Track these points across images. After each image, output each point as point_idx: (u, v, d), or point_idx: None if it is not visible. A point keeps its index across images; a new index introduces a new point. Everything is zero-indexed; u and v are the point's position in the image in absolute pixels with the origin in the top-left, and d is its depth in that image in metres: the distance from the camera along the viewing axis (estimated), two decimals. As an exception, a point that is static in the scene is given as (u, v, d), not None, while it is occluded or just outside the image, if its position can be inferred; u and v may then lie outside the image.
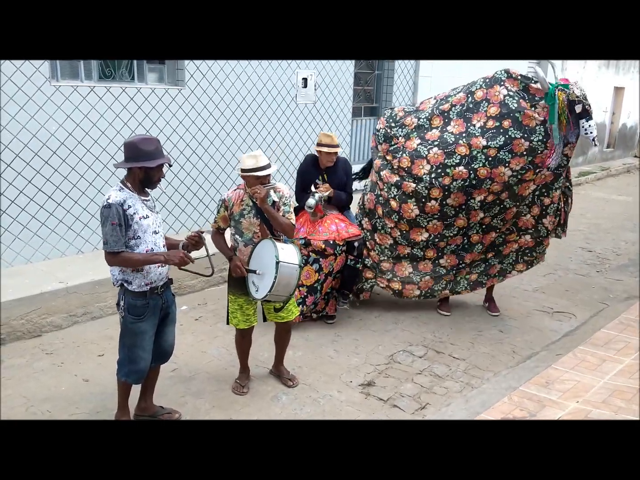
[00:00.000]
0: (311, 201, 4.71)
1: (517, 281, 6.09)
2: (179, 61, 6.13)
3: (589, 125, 4.51)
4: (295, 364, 4.36)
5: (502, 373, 4.29)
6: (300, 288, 4.84)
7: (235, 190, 3.79)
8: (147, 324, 3.17)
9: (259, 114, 6.98)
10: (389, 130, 5.07)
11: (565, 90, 4.45)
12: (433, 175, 4.77)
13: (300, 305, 4.88)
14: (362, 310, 5.43)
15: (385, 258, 5.29)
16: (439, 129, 4.86)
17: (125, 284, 3.11)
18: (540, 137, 4.56)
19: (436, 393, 4.03)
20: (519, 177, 4.70)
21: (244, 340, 3.98)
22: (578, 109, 4.44)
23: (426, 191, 4.81)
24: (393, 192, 4.98)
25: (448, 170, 4.72)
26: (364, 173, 5.59)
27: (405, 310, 5.45)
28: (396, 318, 5.28)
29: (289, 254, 3.52)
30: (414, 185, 4.84)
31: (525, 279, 6.23)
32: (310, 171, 4.89)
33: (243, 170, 3.61)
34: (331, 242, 4.78)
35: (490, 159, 4.65)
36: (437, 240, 5.09)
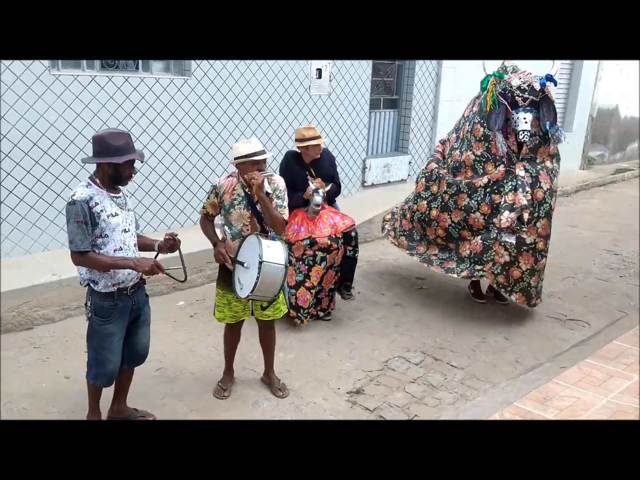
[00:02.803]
0: (318, 199, 4.57)
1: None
2: (186, 51, 6.00)
3: (517, 118, 4.56)
4: (285, 367, 4.21)
5: (501, 385, 4.05)
6: (311, 291, 4.74)
7: (227, 177, 3.62)
8: (114, 325, 3.06)
9: (269, 105, 6.81)
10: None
11: (500, 78, 4.65)
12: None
13: (313, 307, 4.85)
14: (365, 311, 5.24)
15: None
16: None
17: (91, 284, 3.00)
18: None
19: (427, 404, 3.83)
20: (482, 164, 4.82)
21: (232, 335, 3.86)
22: (506, 98, 4.58)
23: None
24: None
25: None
26: None
27: (409, 313, 5.23)
28: (398, 321, 5.07)
29: (275, 252, 3.32)
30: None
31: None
32: (296, 168, 4.67)
33: (237, 158, 3.44)
34: (334, 237, 4.69)
35: (463, 141, 4.98)
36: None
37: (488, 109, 4.66)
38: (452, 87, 8.93)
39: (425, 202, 5.17)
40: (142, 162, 3.09)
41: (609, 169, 13.08)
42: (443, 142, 5.45)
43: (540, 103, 4.58)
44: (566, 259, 6.86)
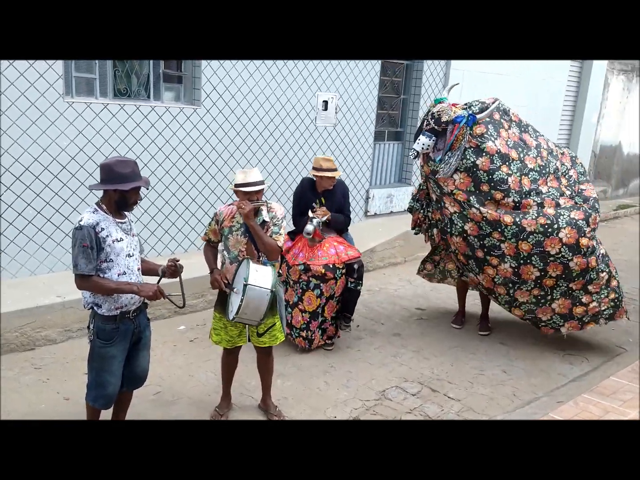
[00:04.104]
0: (309, 227, 4.64)
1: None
2: (196, 80, 6.16)
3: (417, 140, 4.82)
4: (282, 394, 4.24)
5: (497, 418, 4.07)
6: (303, 314, 4.80)
7: (229, 205, 3.76)
8: (116, 348, 3.11)
9: (276, 135, 6.95)
10: None
11: (436, 103, 4.85)
12: None
13: (304, 331, 4.85)
14: (363, 341, 5.27)
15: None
16: None
17: (95, 307, 3.07)
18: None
19: (423, 436, 3.84)
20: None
21: (229, 359, 3.90)
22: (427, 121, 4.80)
23: None
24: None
25: None
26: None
27: (408, 344, 5.26)
28: (396, 351, 5.10)
29: (262, 277, 3.38)
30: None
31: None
32: (308, 195, 4.82)
33: (235, 186, 3.59)
34: (331, 266, 4.73)
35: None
36: None
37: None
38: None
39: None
40: (147, 189, 3.18)
41: (612, 205, 13.14)
42: None
43: (440, 134, 4.70)
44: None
